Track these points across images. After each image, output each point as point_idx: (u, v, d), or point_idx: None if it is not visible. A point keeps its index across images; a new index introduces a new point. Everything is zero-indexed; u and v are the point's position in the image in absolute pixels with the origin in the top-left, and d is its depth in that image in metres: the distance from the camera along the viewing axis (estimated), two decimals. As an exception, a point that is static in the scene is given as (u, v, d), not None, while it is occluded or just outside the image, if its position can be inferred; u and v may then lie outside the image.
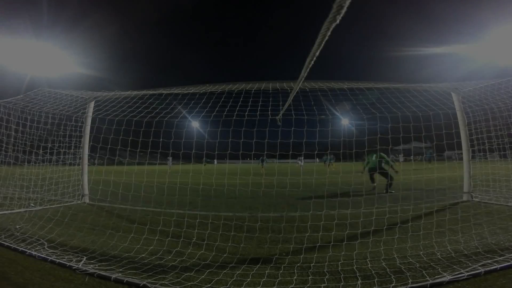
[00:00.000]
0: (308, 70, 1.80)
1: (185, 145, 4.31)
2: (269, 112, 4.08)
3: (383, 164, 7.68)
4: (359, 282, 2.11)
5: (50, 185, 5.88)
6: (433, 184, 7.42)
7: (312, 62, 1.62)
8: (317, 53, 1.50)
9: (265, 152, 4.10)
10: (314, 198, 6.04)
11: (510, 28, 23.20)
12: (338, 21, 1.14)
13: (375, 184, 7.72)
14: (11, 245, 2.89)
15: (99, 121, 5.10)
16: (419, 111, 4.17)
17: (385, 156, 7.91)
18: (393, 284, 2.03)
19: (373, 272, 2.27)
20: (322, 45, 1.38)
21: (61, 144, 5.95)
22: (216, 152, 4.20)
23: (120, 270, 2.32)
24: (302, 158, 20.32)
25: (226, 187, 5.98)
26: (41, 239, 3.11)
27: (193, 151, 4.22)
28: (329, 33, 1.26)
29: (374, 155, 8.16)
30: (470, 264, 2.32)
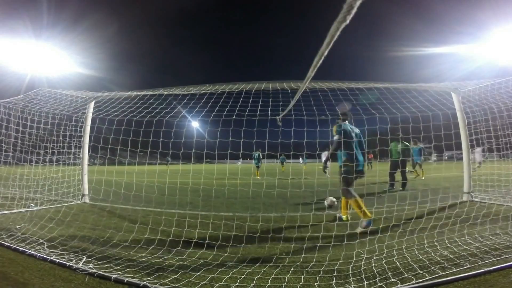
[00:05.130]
0: (315, 70, 1.81)
1: (185, 144, 4.32)
2: (269, 112, 4.08)
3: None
4: (361, 282, 2.11)
5: (50, 185, 5.88)
6: (433, 184, 7.43)
7: (320, 62, 1.63)
8: (326, 53, 1.51)
9: (263, 152, 4.07)
10: (315, 198, 6.04)
11: (510, 28, 23.21)
12: (348, 21, 1.15)
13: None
14: (11, 245, 2.89)
15: (99, 121, 5.11)
16: (419, 111, 4.17)
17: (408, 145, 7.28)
18: (393, 284, 2.03)
19: (374, 271, 2.27)
20: (331, 45, 1.40)
21: (61, 144, 5.95)
22: (216, 152, 4.20)
23: (120, 270, 2.32)
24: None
25: (227, 187, 5.99)
26: (41, 239, 3.11)
27: (193, 150, 4.23)
28: (338, 34, 1.27)
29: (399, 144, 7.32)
30: (470, 264, 2.33)
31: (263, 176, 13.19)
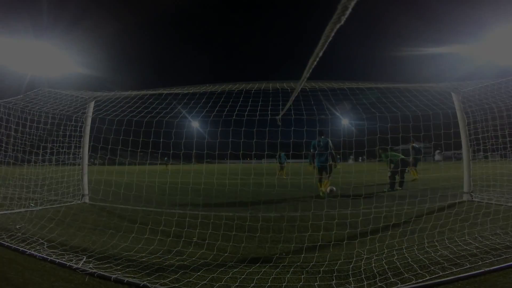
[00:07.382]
0: (310, 70, 1.80)
1: (185, 145, 4.32)
2: (269, 112, 4.08)
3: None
4: (361, 282, 2.11)
5: (50, 185, 5.88)
6: (433, 184, 7.42)
7: (315, 63, 1.62)
8: (320, 54, 1.50)
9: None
10: (315, 198, 6.04)
11: (510, 28, 23.21)
12: (342, 22, 1.14)
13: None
14: (11, 245, 2.89)
15: (99, 121, 5.10)
16: (419, 110, 4.16)
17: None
18: (393, 284, 2.03)
19: (374, 271, 2.27)
20: (326, 46, 1.38)
21: (61, 144, 5.95)
22: (217, 152, 4.21)
23: (120, 270, 2.32)
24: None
25: (227, 187, 5.99)
26: (41, 239, 3.11)
27: (194, 151, 4.23)
28: (333, 34, 1.26)
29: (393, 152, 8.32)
30: (470, 264, 2.32)
31: (287, 175, 13.15)
